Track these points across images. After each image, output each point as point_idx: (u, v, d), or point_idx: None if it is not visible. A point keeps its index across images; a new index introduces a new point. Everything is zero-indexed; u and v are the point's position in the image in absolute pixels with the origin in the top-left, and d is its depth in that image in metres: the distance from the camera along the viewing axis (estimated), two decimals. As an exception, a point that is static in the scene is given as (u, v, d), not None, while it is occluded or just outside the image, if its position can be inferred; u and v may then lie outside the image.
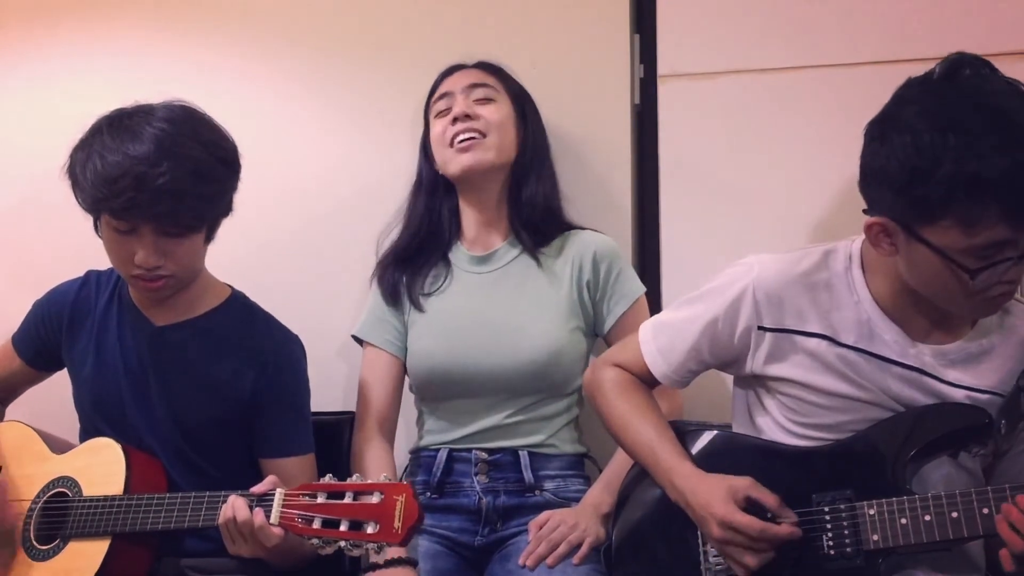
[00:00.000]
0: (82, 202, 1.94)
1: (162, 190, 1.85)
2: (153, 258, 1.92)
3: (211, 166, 1.92)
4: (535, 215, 2.24)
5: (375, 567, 1.95)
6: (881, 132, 1.61)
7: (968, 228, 1.52)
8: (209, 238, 2.03)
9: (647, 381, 1.91)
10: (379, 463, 2.16)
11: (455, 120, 2.20)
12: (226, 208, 2.03)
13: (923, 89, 1.61)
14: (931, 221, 1.55)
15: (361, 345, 2.30)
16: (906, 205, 1.57)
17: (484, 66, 2.31)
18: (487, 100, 2.24)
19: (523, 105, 2.29)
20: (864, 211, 1.68)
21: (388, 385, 2.25)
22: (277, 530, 1.75)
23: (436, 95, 2.29)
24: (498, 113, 2.22)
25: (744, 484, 1.70)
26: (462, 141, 2.19)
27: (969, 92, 1.56)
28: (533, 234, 2.23)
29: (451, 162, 2.22)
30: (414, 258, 2.29)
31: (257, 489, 1.80)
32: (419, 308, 2.24)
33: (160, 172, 1.84)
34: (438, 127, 2.24)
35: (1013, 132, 1.50)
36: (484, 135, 2.20)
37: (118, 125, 1.91)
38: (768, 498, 1.68)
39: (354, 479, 1.72)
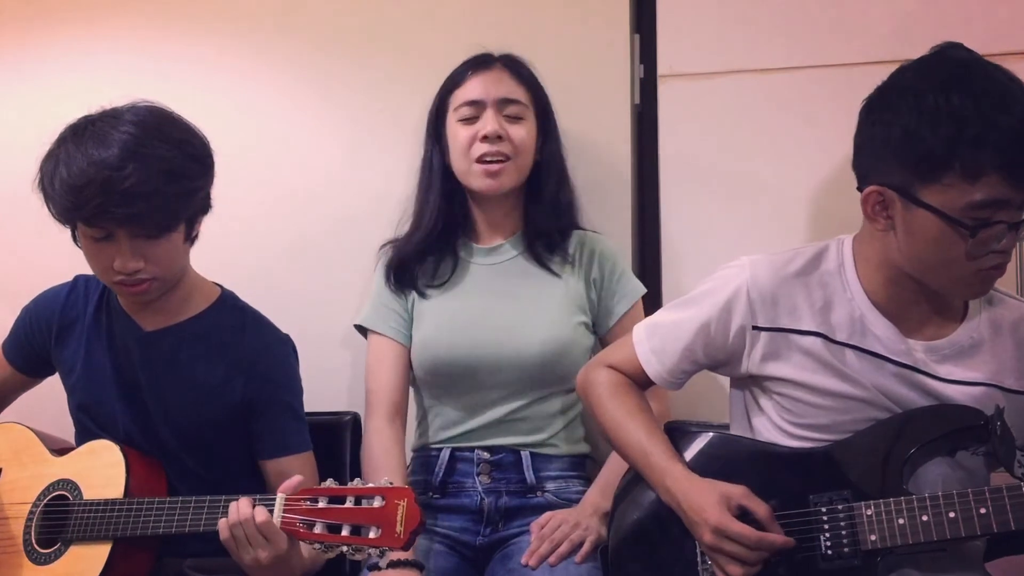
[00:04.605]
0: (54, 213, 1.92)
1: (130, 193, 1.83)
2: (132, 262, 1.90)
3: (181, 164, 1.90)
4: (558, 221, 2.24)
5: (378, 567, 1.94)
6: (880, 102, 1.67)
7: (970, 181, 1.56)
8: (190, 237, 2.01)
9: (641, 382, 1.91)
10: (388, 456, 2.15)
11: (485, 138, 2.17)
12: (203, 205, 2.00)
13: (919, 63, 1.66)
14: (932, 179, 1.59)
15: (365, 336, 2.29)
16: (907, 167, 1.60)
17: (513, 69, 2.25)
18: (517, 118, 2.21)
19: (545, 115, 2.28)
20: (858, 189, 1.70)
21: (396, 371, 2.23)
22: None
23: (464, 99, 2.21)
24: (525, 131, 2.21)
25: (738, 492, 1.69)
26: (490, 163, 2.17)
27: (965, 62, 1.63)
28: (544, 242, 2.23)
29: (473, 179, 2.20)
30: (426, 252, 2.27)
31: (283, 488, 1.78)
32: (424, 297, 2.24)
33: (126, 175, 1.82)
34: (463, 135, 2.19)
35: (1012, 93, 1.58)
36: (510, 158, 2.18)
37: (83, 132, 1.88)
38: (760, 508, 1.68)
39: (356, 483, 1.71)
